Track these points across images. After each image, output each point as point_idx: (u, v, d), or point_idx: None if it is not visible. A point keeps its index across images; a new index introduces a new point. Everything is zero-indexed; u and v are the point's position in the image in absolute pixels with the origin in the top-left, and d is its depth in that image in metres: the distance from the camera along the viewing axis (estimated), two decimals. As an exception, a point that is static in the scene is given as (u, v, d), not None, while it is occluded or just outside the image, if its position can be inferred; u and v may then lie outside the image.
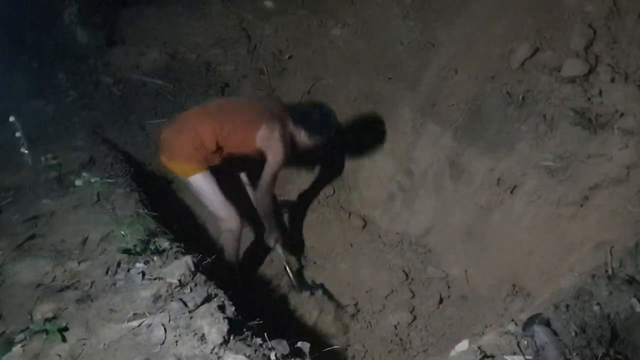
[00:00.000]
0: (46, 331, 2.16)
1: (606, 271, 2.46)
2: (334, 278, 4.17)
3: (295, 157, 3.81)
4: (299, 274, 4.09)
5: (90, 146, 3.95)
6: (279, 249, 3.95)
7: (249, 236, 4.19)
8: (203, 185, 3.57)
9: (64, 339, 2.15)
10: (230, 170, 3.93)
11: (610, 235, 2.87)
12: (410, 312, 3.78)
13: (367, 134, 4.66)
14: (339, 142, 4.48)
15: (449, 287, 3.90)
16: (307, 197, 4.74)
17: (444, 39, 4.42)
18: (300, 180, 4.78)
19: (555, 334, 2.04)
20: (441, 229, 4.16)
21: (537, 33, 3.81)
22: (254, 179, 3.91)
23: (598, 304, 2.19)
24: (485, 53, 4.04)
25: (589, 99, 3.43)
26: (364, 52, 4.78)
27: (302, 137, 3.70)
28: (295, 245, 4.35)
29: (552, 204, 3.37)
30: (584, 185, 3.23)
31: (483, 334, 2.61)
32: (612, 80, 3.41)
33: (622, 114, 3.25)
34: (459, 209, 4.01)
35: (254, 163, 3.73)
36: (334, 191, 4.78)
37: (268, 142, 3.54)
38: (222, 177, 3.68)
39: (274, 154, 3.55)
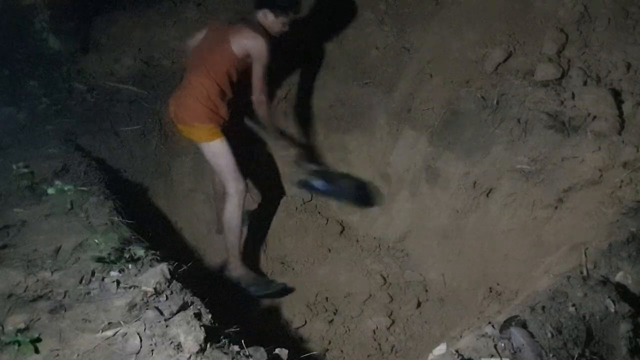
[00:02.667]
0: (18, 342, 2.10)
1: (581, 272, 2.49)
2: (311, 283, 4.16)
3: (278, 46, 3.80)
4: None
5: (63, 154, 3.89)
6: (290, 155, 4.06)
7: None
8: (221, 149, 3.75)
9: (36, 350, 2.10)
10: (239, 115, 4.02)
11: (584, 236, 2.90)
12: (389, 317, 3.78)
13: (344, 140, 4.66)
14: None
15: (426, 290, 3.91)
16: (284, 202, 4.73)
17: (419, 44, 4.44)
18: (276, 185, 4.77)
19: (531, 335, 2.04)
20: (418, 233, 4.17)
21: (510, 38, 3.86)
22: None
23: (573, 305, 2.20)
24: (459, 58, 4.07)
25: (562, 102, 3.48)
26: (340, 58, 4.78)
27: (270, 21, 3.73)
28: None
29: (527, 206, 3.40)
30: (558, 187, 3.27)
31: (461, 336, 2.62)
32: (584, 83, 3.47)
33: (594, 117, 3.30)
34: (435, 213, 4.03)
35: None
36: (312, 197, 4.77)
37: (242, 41, 3.62)
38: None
39: (255, 49, 3.62)
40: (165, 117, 4.13)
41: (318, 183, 4.14)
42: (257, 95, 3.75)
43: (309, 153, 4.31)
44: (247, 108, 3.98)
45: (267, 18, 3.72)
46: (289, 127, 4.66)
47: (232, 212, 3.85)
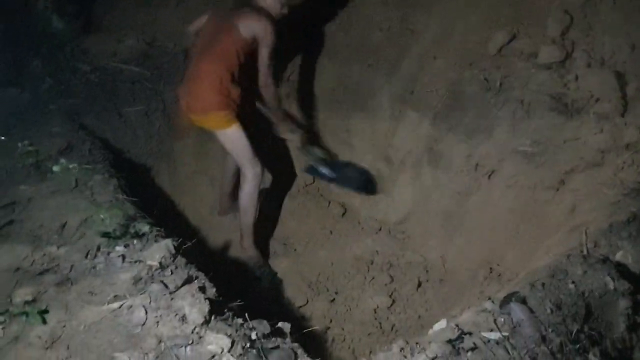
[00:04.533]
0: (26, 314, 2.15)
1: (581, 251, 2.52)
2: (313, 264, 4.19)
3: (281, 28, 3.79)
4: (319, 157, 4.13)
5: (67, 133, 3.91)
6: (295, 139, 4.08)
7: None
8: (238, 135, 3.77)
9: (44, 321, 2.14)
10: (251, 101, 4.01)
11: (585, 217, 2.93)
12: (389, 296, 3.81)
13: (346, 122, 4.67)
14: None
15: (427, 271, 3.94)
16: (287, 185, 4.75)
17: (423, 26, 4.43)
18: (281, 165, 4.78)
19: (531, 311, 2.07)
20: (420, 214, 4.19)
21: (513, 20, 3.85)
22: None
23: (573, 282, 2.23)
24: (463, 40, 4.07)
25: (565, 84, 3.49)
26: (342, 40, 4.78)
27: (269, 2, 3.74)
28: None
29: (529, 188, 3.42)
30: (560, 169, 3.29)
31: (461, 315, 2.65)
32: (588, 65, 3.46)
33: (597, 99, 3.31)
34: (437, 194, 4.05)
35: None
36: (314, 179, 4.78)
37: (249, 24, 3.62)
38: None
39: (261, 31, 3.63)
40: (177, 110, 4.07)
41: (324, 170, 4.15)
42: (264, 79, 3.77)
43: (314, 138, 4.31)
44: (255, 91, 3.97)
45: (267, 1, 3.73)
46: (292, 110, 4.67)
47: (249, 194, 3.90)
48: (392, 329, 3.65)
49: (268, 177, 4.62)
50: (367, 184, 4.37)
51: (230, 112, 3.72)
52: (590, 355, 1.98)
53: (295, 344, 2.19)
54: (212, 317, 2.12)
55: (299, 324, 3.56)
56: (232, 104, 3.72)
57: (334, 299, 3.90)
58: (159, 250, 2.47)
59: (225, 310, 2.25)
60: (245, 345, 2.02)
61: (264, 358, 2.01)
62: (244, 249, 4.07)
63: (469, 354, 1.91)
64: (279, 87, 4.30)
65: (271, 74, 3.78)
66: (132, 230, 2.75)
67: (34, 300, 2.26)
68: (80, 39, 5.26)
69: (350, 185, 4.40)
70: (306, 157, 3.96)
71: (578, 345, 1.99)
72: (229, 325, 2.10)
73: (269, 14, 3.72)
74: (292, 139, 4.03)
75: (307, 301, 3.90)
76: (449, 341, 1.96)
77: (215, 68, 3.63)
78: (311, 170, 4.34)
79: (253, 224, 4.02)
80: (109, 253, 2.56)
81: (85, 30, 5.36)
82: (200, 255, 2.91)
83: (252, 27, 3.62)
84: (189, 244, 2.73)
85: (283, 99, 4.59)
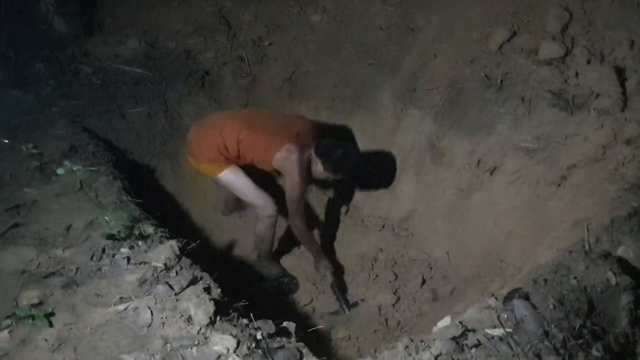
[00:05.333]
0: (32, 317, 2.16)
1: (583, 247, 2.53)
2: (318, 262, 4.20)
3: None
4: (344, 296, 3.95)
5: (71, 135, 3.92)
6: (328, 276, 3.91)
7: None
8: (232, 179, 3.70)
9: (50, 324, 2.16)
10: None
11: (587, 212, 2.94)
12: (394, 294, 3.83)
13: (349, 120, 4.68)
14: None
15: (431, 268, 3.96)
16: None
17: (423, 24, 4.45)
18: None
19: (534, 307, 2.09)
20: (423, 211, 4.21)
21: (514, 17, 3.87)
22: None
23: (575, 277, 2.25)
24: (463, 37, 4.08)
25: (566, 80, 3.50)
26: (344, 38, 4.79)
27: (318, 168, 3.68)
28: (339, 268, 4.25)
29: (531, 184, 3.44)
30: (561, 165, 3.30)
31: (465, 312, 2.67)
32: (588, 61, 3.47)
33: (597, 95, 3.32)
34: (440, 191, 4.07)
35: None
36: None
37: (285, 165, 3.57)
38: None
39: (291, 177, 3.58)
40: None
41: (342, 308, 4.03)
42: (291, 215, 3.70)
43: (341, 275, 4.21)
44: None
45: (318, 165, 3.66)
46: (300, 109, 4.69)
47: (264, 231, 3.85)
48: (397, 325, 3.67)
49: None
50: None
51: (223, 163, 3.66)
52: (593, 350, 2.00)
53: (301, 343, 2.21)
54: (218, 318, 2.14)
55: (304, 322, 3.58)
56: (227, 159, 3.66)
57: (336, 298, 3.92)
58: (164, 251, 2.49)
59: (231, 310, 2.27)
60: (251, 345, 2.04)
61: (269, 358, 2.02)
62: (261, 266, 4.08)
63: (473, 350, 1.93)
64: (311, 226, 4.23)
65: (299, 213, 3.69)
66: (136, 232, 2.77)
67: (40, 303, 2.28)
68: (82, 40, 5.26)
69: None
70: (337, 295, 3.90)
71: (581, 341, 2.01)
72: (234, 326, 2.12)
73: (309, 168, 3.67)
74: (326, 276, 3.94)
75: (312, 299, 3.92)
76: (453, 338, 1.98)
77: (230, 142, 3.57)
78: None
79: (269, 250, 4.00)
80: (114, 255, 2.58)
81: (87, 32, 5.37)
82: (205, 255, 2.92)
83: (285, 168, 3.58)
84: (194, 244, 2.75)
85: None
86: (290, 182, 3.59)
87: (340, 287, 3.94)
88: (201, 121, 3.84)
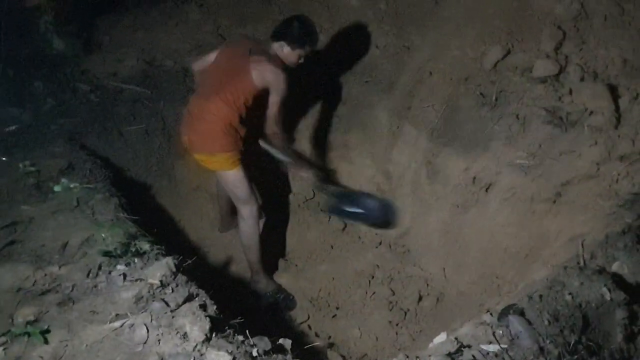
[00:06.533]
0: (28, 334, 2.16)
1: (578, 263, 2.54)
2: (314, 279, 4.21)
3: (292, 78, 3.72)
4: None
5: (68, 153, 3.93)
6: (311, 177, 3.99)
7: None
8: (238, 177, 3.72)
9: (46, 341, 2.16)
10: (254, 139, 3.96)
11: (582, 229, 2.96)
12: (390, 310, 3.83)
13: (345, 137, 4.71)
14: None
15: (427, 284, 3.96)
16: (287, 200, 4.78)
17: (419, 43, 4.50)
18: (281, 183, 4.81)
19: (529, 323, 2.10)
20: (419, 228, 4.22)
21: (508, 35, 3.90)
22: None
23: (570, 293, 2.26)
24: (458, 55, 4.12)
25: (560, 98, 3.52)
26: (340, 57, 4.84)
27: (286, 52, 3.66)
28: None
29: (526, 200, 3.45)
30: (556, 181, 3.31)
31: (460, 328, 2.67)
32: (582, 79, 3.51)
33: (591, 112, 3.34)
34: (436, 208, 4.08)
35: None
36: (314, 194, 4.82)
37: (263, 74, 3.54)
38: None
39: (274, 82, 3.55)
40: (179, 144, 4.06)
41: (349, 207, 4.06)
42: (273, 126, 3.73)
43: (326, 174, 4.25)
44: (259, 130, 3.95)
45: (283, 50, 3.67)
46: (301, 140, 4.74)
47: (248, 232, 3.87)
48: (394, 343, 3.66)
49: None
50: (390, 217, 4.28)
51: (236, 153, 3.68)
52: (588, 366, 2.00)
53: (297, 360, 2.21)
54: (213, 335, 2.14)
55: (300, 340, 3.58)
56: (238, 143, 3.68)
57: (335, 315, 3.92)
58: (160, 268, 2.49)
59: (226, 327, 2.27)
60: (246, 361, 2.04)
61: (264, 374, 2.03)
62: (256, 282, 4.07)
63: (468, 366, 1.93)
64: (287, 132, 4.23)
65: (280, 121, 3.73)
66: (133, 249, 2.77)
67: (35, 320, 2.28)
68: (80, 59, 5.30)
69: (376, 220, 4.27)
70: (324, 194, 3.87)
71: (576, 357, 2.01)
72: (230, 343, 2.12)
73: (283, 64, 3.68)
74: (307, 177, 3.97)
75: (309, 316, 3.92)
76: (449, 354, 1.99)
77: (225, 110, 3.55)
78: (334, 210, 4.21)
79: (259, 259, 3.99)
80: (110, 272, 2.58)
81: (86, 51, 5.41)
82: (201, 272, 2.92)
83: (266, 77, 3.55)
84: (190, 261, 2.75)
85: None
86: (273, 87, 3.57)
87: (325, 184, 4.02)
88: (188, 115, 3.75)
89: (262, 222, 4.08)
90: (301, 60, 3.78)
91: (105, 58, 5.27)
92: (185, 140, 3.75)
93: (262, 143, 3.98)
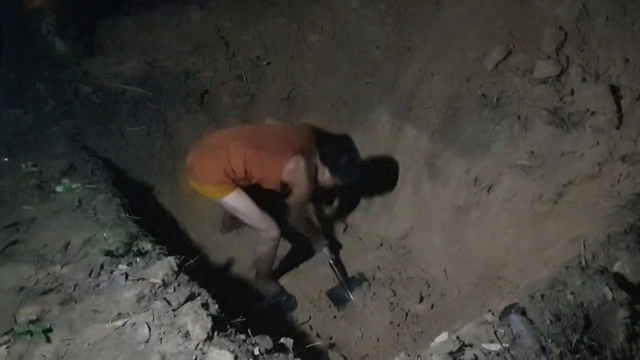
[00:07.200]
0: (30, 332, 2.17)
1: (580, 263, 2.54)
2: (315, 280, 4.21)
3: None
4: (344, 274, 4.18)
5: (70, 153, 3.94)
6: (327, 253, 4.09)
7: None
8: (238, 203, 3.65)
9: (48, 340, 2.17)
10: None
11: (583, 229, 2.96)
12: (391, 311, 3.82)
13: (346, 139, 4.71)
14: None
15: (428, 285, 3.96)
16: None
17: (420, 43, 4.50)
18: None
19: (531, 322, 2.10)
20: (420, 229, 4.22)
21: (509, 36, 3.91)
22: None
23: (572, 293, 2.26)
24: (459, 56, 4.12)
25: (561, 98, 3.53)
26: (342, 57, 4.85)
27: (326, 176, 3.73)
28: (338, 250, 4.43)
29: (527, 201, 3.45)
30: (558, 182, 3.32)
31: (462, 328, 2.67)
32: (583, 80, 3.51)
33: (592, 113, 3.34)
34: (437, 209, 4.08)
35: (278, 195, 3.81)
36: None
37: (294, 176, 3.55)
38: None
39: (299, 187, 3.59)
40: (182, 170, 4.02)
41: (345, 295, 4.06)
42: (293, 218, 3.78)
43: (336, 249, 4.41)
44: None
45: (324, 173, 3.72)
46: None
47: (264, 253, 3.86)
48: (395, 343, 3.66)
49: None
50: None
51: (229, 185, 3.61)
52: (590, 366, 2.00)
53: (298, 359, 2.21)
54: (215, 333, 2.15)
55: (302, 340, 3.57)
56: (234, 181, 3.62)
57: (335, 316, 3.92)
58: (162, 267, 2.50)
59: (228, 326, 2.27)
60: (248, 360, 2.04)
61: (266, 373, 2.03)
62: (260, 284, 4.07)
63: (470, 365, 1.93)
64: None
65: (300, 214, 3.81)
66: (135, 249, 2.78)
67: (38, 319, 2.28)
68: (82, 60, 5.30)
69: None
70: (334, 274, 4.05)
71: (578, 356, 2.01)
72: (232, 341, 2.12)
73: (316, 173, 3.72)
74: (326, 255, 4.10)
75: (310, 317, 3.91)
76: (450, 353, 1.99)
77: (237, 162, 3.52)
78: (332, 294, 4.13)
79: (269, 271, 4.01)
80: (112, 271, 2.58)
81: (87, 53, 5.41)
82: (202, 273, 2.92)
83: (294, 179, 3.57)
84: (192, 261, 2.76)
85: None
86: (299, 190, 3.59)
87: (339, 264, 4.08)
88: (201, 143, 3.75)
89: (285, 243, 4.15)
90: (334, 187, 3.88)
91: (107, 59, 5.28)
92: (188, 162, 3.72)
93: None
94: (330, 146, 3.80)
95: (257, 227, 3.75)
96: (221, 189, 3.60)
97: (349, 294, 4.02)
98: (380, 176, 4.56)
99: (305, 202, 3.69)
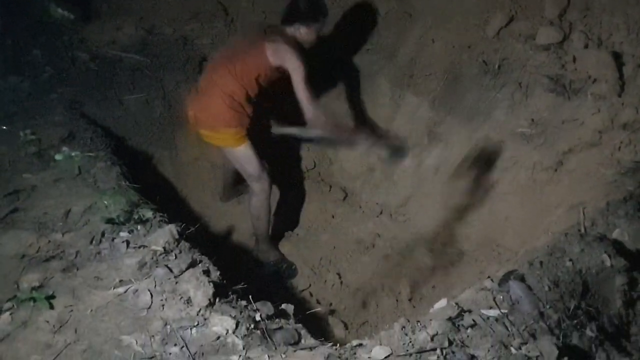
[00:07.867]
0: (33, 299, 2.19)
1: (579, 230, 2.55)
2: (315, 248, 4.23)
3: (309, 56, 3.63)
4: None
5: (69, 121, 3.92)
6: (372, 143, 3.86)
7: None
8: (247, 154, 3.68)
9: (51, 306, 2.19)
10: (264, 118, 3.91)
11: (583, 197, 2.96)
12: (391, 279, 3.85)
13: (346, 106, 4.68)
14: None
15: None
16: (288, 170, 4.78)
17: (421, 10, 4.44)
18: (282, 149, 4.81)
19: (529, 288, 2.12)
20: (420, 197, 4.22)
21: (511, 2, 3.85)
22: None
23: (570, 260, 2.27)
24: (461, 23, 4.08)
25: (563, 65, 3.50)
26: (341, 24, 4.78)
27: (303, 32, 3.60)
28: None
29: (527, 169, 3.45)
30: (558, 150, 3.32)
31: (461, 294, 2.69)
32: (586, 46, 3.48)
33: (594, 80, 3.33)
34: (437, 177, 4.08)
35: (282, 94, 3.67)
36: (315, 164, 4.82)
37: (279, 53, 3.44)
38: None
39: (292, 62, 3.43)
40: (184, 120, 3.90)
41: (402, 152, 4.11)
42: (309, 109, 3.44)
43: (373, 130, 4.23)
44: (271, 115, 3.92)
45: (300, 31, 3.58)
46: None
47: (258, 207, 3.87)
48: (394, 309, 3.69)
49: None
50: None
51: (241, 130, 3.61)
52: (588, 331, 2.02)
53: (299, 325, 2.24)
54: (217, 300, 2.17)
55: (302, 306, 3.61)
56: (244, 120, 3.61)
57: (334, 284, 3.95)
58: (163, 235, 2.51)
59: (230, 292, 2.29)
60: (250, 326, 2.07)
61: (268, 338, 2.05)
62: (260, 251, 4.09)
63: (469, 330, 1.95)
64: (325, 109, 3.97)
65: (314, 101, 3.47)
66: (135, 216, 2.79)
67: (40, 286, 2.30)
68: (78, 27, 5.24)
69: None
70: (386, 149, 3.94)
71: (575, 321, 2.03)
72: (233, 307, 2.15)
73: (299, 44, 3.60)
74: (364, 144, 3.81)
75: (310, 285, 3.95)
76: (449, 319, 2.01)
77: (231, 84, 3.49)
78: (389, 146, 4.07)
79: (267, 229, 4.01)
80: (113, 239, 2.59)
81: (84, 19, 5.35)
82: (203, 241, 2.94)
83: (282, 56, 3.44)
84: (193, 229, 2.77)
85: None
86: (293, 65, 3.44)
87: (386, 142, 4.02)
88: (194, 94, 3.71)
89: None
90: (318, 35, 3.71)
91: (104, 26, 5.22)
92: (190, 116, 3.69)
93: (276, 129, 3.99)
94: (284, 9, 3.66)
95: (251, 178, 3.77)
96: (234, 137, 3.61)
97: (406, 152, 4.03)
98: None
99: (305, 77, 3.41)
